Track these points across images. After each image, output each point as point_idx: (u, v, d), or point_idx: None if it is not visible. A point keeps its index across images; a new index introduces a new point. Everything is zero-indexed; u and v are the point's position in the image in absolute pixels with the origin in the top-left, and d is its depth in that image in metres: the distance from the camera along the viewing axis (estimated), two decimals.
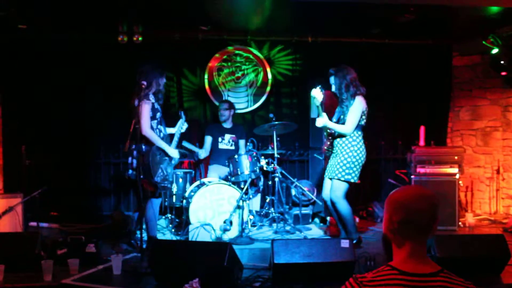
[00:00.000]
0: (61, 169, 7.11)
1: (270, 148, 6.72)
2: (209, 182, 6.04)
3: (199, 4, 6.00)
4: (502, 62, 6.97)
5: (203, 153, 6.86)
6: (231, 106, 7.01)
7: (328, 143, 5.39)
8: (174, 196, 6.39)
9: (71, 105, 7.07)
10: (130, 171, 5.20)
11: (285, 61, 7.80)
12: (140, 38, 6.76)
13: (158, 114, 5.27)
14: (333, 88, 5.29)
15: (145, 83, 5.08)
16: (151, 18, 6.67)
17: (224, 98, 7.50)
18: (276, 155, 6.34)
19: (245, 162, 6.12)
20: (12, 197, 6.03)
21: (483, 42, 7.07)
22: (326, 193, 5.47)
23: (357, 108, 5.11)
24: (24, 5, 5.87)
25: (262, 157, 6.40)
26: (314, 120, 7.12)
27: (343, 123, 5.18)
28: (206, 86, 7.59)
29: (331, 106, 6.92)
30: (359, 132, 5.22)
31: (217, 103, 7.45)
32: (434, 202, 1.85)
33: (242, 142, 7.07)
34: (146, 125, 5.08)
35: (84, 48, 7.04)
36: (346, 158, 5.13)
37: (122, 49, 6.93)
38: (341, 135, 5.21)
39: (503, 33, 6.86)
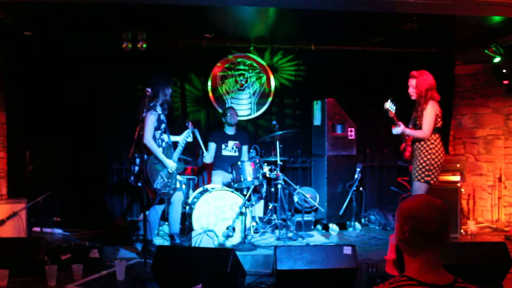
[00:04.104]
0: (64, 175, 7.14)
1: (273, 155, 6.75)
2: (212, 188, 6.07)
3: (203, 12, 6.05)
4: (504, 71, 7.00)
5: (208, 156, 6.80)
6: (236, 113, 7.07)
7: (410, 149, 5.46)
8: None
9: (75, 112, 7.10)
10: (132, 178, 5.41)
11: (288, 68, 7.83)
12: (144, 45, 6.79)
13: (163, 125, 5.51)
14: (410, 89, 5.36)
15: (149, 90, 5.20)
16: (155, 25, 6.72)
17: (228, 105, 7.53)
18: (279, 162, 6.37)
19: (248, 169, 6.15)
20: (16, 202, 6.05)
21: (486, 51, 7.11)
22: None
23: (431, 112, 5.22)
24: (30, 12, 5.93)
25: (265, 164, 6.43)
26: (316, 127, 7.24)
27: (419, 129, 5.28)
28: (210, 93, 7.62)
29: (334, 113, 6.98)
30: (437, 135, 5.29)
31: (220, 110, 7.48)
32: (443, 210, 1.84)
33: (245, 148, 7.10)
34: (149, 135, 5.30)
35: (87, 55, 7.08)
36: (426, 160, 5.23)
37: (125, 56, 6.96)
38: (420, 140, 5.30)
39: (505, 42, 6.91)
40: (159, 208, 5.63)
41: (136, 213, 7.22)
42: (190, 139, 5.85)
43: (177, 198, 5.71)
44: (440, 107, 5.31)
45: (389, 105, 5.23)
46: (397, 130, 5.27)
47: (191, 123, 5.98)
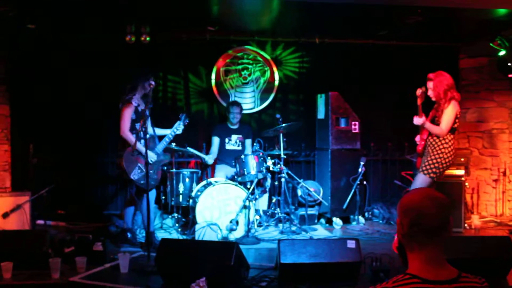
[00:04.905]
0: (68, 168, 7.15)
1: (276, 148, 6.74)
2: (216, 182, 6.07)
3: (206, 5, 6.02)
4: (509, 64, 6.96)
5: (210, 159, 6.81)
6: (241, 108, 7.05)
7: (423, 142, 5.48)
8: (180, 196, 6.40)
9: (78, 104, 7.09)
10: (116, 171, 5.41)
11: (292, 61, 7.81)
12: (148, 38, 6.77)
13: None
14: (429, 92, 5.40)
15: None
16: (159, 18, 6.69)
17: (232, 99, 7.51)
18: (282, 155, 6.36)
19: (252, 163, 6.14)
20: (20, 195, 6.07)
21: (490, 44, 7.07)
22: None
23: (451, 112, 5.27)
24: (33, 5, 5.91)
25: (269, 157, 6.42)
26: (320, 121, 7.23)
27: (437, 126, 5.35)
28: (213, 86, 7.60)
29: (337, 106, 6.96)
30: (452, 136, 5.33)
31: (224, 104, 7.47)
32: (444, 204, 1.79)
33: (248, 142, 7.09)
34: (125, 127, 5.39)
35: (90, 48, 7.06)
36: (437, 157, 5.27)
37: (129, 50, 6.94)
38: (434, 136, 5.34)
39: (510, 35, 6.86)
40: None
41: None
42: (179, 132, 5.81)
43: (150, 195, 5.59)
44: (460, 106, 5.35)
45: (420, 93, 5.34)
46: (418, 120, 5.36)
47: (186, 115, 5.93)
